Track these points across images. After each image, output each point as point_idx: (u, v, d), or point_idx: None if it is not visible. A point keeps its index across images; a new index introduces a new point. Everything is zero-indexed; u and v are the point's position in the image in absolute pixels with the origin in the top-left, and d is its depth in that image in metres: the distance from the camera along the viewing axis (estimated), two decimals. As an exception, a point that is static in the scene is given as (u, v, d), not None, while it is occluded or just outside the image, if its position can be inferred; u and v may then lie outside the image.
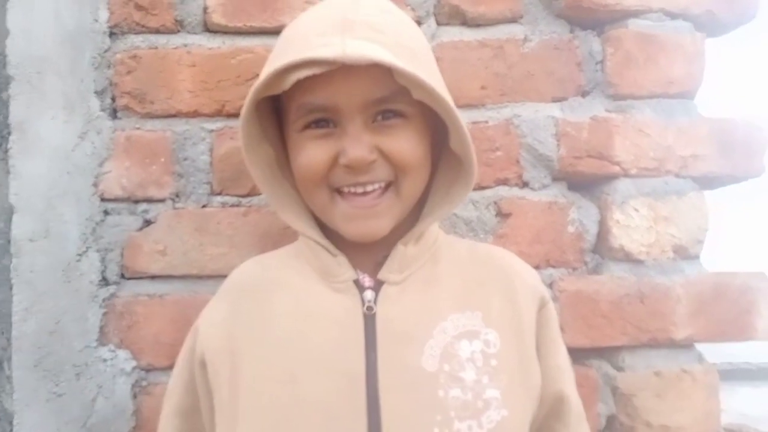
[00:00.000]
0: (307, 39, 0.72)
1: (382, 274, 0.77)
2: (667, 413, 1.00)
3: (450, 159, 0.80)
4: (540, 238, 1.03)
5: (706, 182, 1.08)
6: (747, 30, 1.16)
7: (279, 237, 1.02)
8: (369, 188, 0.74)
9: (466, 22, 1.09)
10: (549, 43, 1.09)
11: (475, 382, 0.72)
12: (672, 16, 1.10)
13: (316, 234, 0.80)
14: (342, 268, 0.77)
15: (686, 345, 1.04)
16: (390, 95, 0.73)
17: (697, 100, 1.12)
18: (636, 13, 1.09)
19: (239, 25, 1.03)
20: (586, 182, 1.07)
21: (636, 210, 1.05)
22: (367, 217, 0.75)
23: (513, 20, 1.09)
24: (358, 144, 0.72)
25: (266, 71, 0.73)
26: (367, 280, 0.77)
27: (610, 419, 1.04)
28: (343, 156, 0.72)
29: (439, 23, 1.09)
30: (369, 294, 0.75)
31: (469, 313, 0.76)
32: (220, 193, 1.03)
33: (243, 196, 1.03)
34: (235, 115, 1.01)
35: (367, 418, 0.69)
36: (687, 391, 1.01)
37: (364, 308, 0.74)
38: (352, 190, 0.75)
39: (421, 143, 0.76)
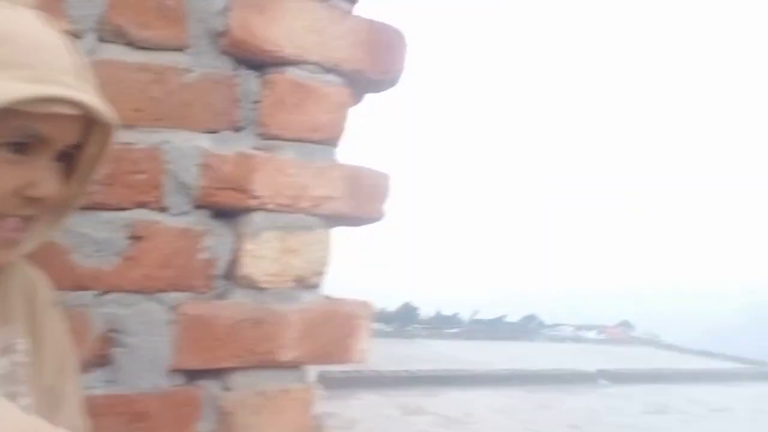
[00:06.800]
0: (54, 70, 0.71)
1: None
2: (260, 428, 1.13)
3: None
4: (169, 262, 1.09)
5: (335, 221, 1.23)
6: (389, 95, 1.34)
7: None
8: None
9: (132, 43, 1.11)
10: (210, 76, 1.15)
11: (8, 395, 0.72)
12: (326, 69, 1.22)
13: None
14: None
15: (292, 366, 1.18)
16: (79, 143, 0.77)
17: (341, 147, 1.26)
18: (294, 62, 1.19)
19: None
20: (226, 212, 1.16)
21: (267, 242, 1.16)
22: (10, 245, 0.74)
23: (178, 49, 1.14)
24: (54, 181, 0.74)
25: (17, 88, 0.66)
26: None
27: (210, 436, 1.14)
28: (36, 189, 0.72)
29: (102, 40, 1.09)
30: None
31: (8, 326, 0.77)
32: None
33: None
34: None
35: None
36: (283, 408, 1.15)
37: None
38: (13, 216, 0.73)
39: None
